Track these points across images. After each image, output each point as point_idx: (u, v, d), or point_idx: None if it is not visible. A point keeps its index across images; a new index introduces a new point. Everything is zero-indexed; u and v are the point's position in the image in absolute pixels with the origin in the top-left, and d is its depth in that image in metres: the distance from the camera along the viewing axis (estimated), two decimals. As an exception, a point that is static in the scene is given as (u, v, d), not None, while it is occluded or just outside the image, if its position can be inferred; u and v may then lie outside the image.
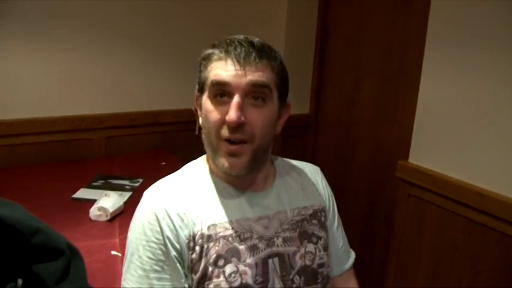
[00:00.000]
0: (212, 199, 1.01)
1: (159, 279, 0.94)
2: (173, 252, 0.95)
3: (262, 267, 0.97)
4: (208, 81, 0.96)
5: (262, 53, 0.97)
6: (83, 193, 1.96)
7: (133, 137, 2.69)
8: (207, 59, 0.99)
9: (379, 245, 2.44)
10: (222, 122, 0.94)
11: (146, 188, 1.05)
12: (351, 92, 2.67)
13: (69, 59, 2.42)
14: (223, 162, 0.96)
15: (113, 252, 1.51)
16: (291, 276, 1.00)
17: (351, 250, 1.24)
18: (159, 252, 0.94)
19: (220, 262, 0.94)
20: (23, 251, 1.19)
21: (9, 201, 1.28)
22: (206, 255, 0.95)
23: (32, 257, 1.21)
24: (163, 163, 2.43)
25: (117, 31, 2.53)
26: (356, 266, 1.23)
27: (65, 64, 2.41)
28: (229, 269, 0.94)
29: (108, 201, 1.75)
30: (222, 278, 0.93)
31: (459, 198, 1.77)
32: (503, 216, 1.61)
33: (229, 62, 0.94)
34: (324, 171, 1.22)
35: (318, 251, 1.06)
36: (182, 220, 0.96)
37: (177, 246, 0.95)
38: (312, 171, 1.20)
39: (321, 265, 1.05)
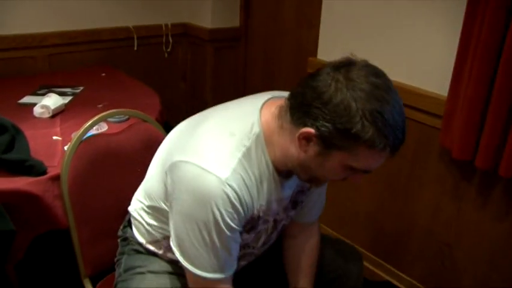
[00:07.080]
0: (265, 188, 1.12)
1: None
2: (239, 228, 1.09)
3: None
4: (356, 162, 0.98)
5: None
6: (28, 99, 2.17)
7: (75, 54, 2.85)
8: (368, 142, 0.93)
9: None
10: (341, 179, 1.07)
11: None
12: (274, 4, 2.90)
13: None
14: None
15: (54, 137, 1.79)
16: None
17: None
18: (237, 221, 1.06)
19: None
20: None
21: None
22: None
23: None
24: (103, 74, 2.64)
25: None
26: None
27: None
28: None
29: (50, 100, 1.99)
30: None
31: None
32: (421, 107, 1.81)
33: (384, 155, 0.97)
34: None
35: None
36: (247, 205, 1.07)
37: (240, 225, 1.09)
38: None
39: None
